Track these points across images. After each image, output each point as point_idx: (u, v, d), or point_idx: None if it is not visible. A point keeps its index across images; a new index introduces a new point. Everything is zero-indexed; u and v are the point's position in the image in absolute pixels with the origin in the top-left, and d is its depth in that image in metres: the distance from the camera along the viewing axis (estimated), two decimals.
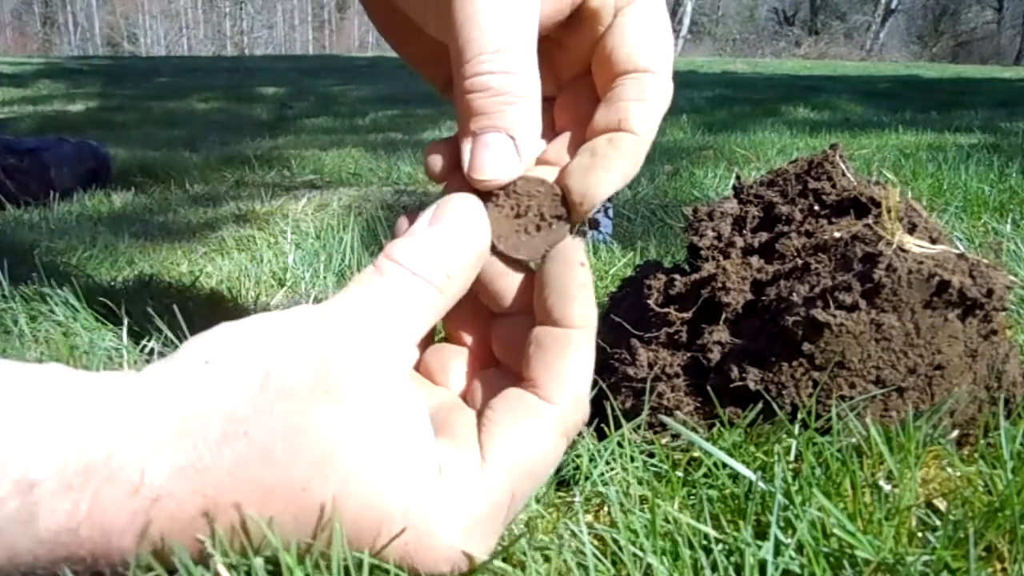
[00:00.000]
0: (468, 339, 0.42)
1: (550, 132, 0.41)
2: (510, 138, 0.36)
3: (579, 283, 0.37)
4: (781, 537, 0.40)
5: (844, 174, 0.59)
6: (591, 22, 0.39)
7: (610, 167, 0.37)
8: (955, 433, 0.52)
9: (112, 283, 1.03)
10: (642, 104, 0.38)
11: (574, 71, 0.41)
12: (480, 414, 0.36)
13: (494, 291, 0.39)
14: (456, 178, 0.38)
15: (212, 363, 0.32)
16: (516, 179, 0.37)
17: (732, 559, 0.41)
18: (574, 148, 0.39)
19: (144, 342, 0.74)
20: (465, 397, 0.40)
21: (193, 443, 0.30)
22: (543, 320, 0.37)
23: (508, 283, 0.39)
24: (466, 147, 0.36)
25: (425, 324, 0.35)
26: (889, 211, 0.52)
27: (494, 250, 0.38)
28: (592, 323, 0.37)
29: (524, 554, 0.41)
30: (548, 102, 0.41)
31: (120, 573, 0.31)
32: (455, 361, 0.41)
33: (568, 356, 0.36)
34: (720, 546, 0.41)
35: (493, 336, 0.41)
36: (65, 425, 0.30)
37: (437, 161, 0.39)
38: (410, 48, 0.45)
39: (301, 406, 0.31)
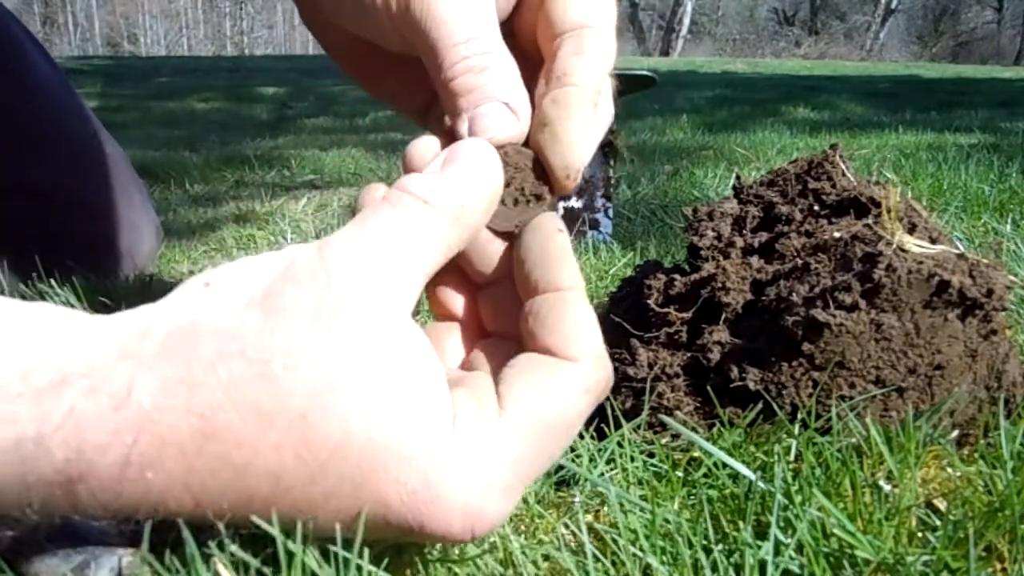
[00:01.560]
0: (457, 313, 0.41)
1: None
2: (503, 103, 0.36)
3: (561, 248, 0.36)
4: (781, 537, 0.40)
5: (844, 174, 0.59)
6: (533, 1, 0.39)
7: (559, 128, 0.36)
8: (955, 433, 0.52)
9: (112, 283, 1.03)
10: (580, 56, 0.37)
11: (541, 56, 0.41)
12: (495, 375, 0.35)
13: (479, 259, 0.39)
14: None
15: (212, 285, 0.30)
16: (508, 147, 0.37)
17: (732, 559, 0.41)
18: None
19: None
20: (465, 368, 0.39)
21: (186, 360, 0.28)
22: (530, 293, 0.36)
23: (492, 250, 0.39)
24: (462, 125, 0.36)
25: (436, 256, 0.33)
26: (889, 211, 0.52)
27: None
28: (581, 284, 0.36)
29: (524, 554, 0.41)
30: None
31: (94, 513, 0.28)
32: (448, 337, 0.40)
33: (571, 315, 0.35)
34: (720, 546, 0.41)
35: (481, 307, 0.40)
36: (39, 337, 0.27)
37: (423, 150, 0.38)
38: (381, 84, 0.45)
39: (302, 328, 0.29)
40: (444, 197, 0.33)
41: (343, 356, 0.29)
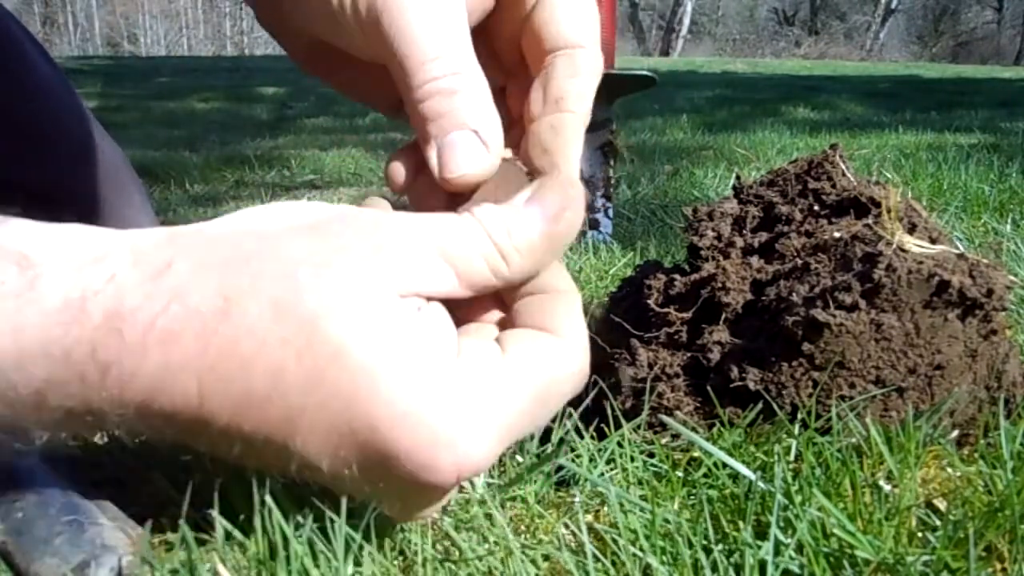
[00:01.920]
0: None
1: (506, 120, 0.41)
2: (473, 132, 0.36)
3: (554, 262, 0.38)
4: (781, 537, 0.40)
5: (844, 174, 0.59)
6: (517, 4, 0.39)
7: (559, 158, 0.38)
8: (955, 433, 0.52)
9: None
10: (576, 80, 0.38)
11: (515, 56, 0.42)
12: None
13: None
14: (421, 184, 0.39)
15: (270, 210, 0.33)
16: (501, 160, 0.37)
17: (732, 559, 0.41)
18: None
19: None
20: None
21: (226, 252, 0.31)
22: (521, 296, 0.37)
23: None
24: (432, 153, 0.36)
25: (476, 285, 0.34)
26: (889, 211, 0.52)
27: None
28: (576, 291, 0.38)
29: (524, 553, 0.41)
30: (499, 92, 0.41)
31: (112, 397, 0.30)
32: None
33: (568, 309, 0.36)
34: (720, 546, 0.41)
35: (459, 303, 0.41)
36: (86, 231, 0.31)
37: (399, 170, 0.39)
38: (339, 78, 0.45)
39: (336, 250, 0.31)
40: (510, 248, 0.34)
41: (366, 283, 0.31)
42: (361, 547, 0.36)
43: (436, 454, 0.31)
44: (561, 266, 0.37)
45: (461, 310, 0.40)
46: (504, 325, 0.38)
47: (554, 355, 0.35)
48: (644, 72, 1.09)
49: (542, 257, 0.35)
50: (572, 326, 0.36)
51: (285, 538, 0.35)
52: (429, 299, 0.33)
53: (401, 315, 0.31)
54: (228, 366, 0.30)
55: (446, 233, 0.33)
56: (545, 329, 0.36)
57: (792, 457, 0.49)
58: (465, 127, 0.36)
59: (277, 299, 0.30)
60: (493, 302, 0.38)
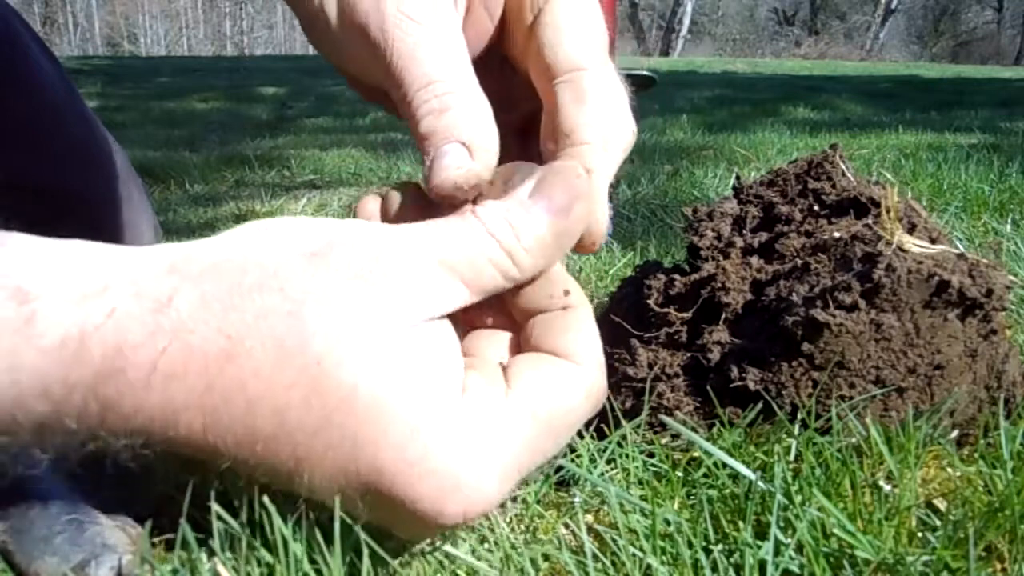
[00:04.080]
0: None
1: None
2: (461, 143, 0.36)
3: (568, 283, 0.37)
4: (781, 537, 0.40)
5: (844, 174, 0.59)
6: (519, 24, 0.39)
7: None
8: (955, 433, 0.52)
9: None
10: (581, 106, 0.37)
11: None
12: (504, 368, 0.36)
13: None
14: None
15: (268, 230, 0.32)
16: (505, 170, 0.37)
17: (732, 559, 0.41)
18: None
19: None
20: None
21: (228, 284, 0.30)
22: (533, 313, 0.37)
23: None
24: (426, 167, 0.36)
25: (491, 283, 0.34)
26: (889, 211, 0.52)
27: None
28: (588, 305, 0.37)
29: (522, 554, 0.41)
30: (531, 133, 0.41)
31: (116, 429, 0.29)
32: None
33: (580, 324, 0.36)
34: (720, 546, 0.41)
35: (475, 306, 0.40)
36: (88, 255, 0.30)
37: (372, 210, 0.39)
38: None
39: (341, 282, 0.31)
40: (517, 248, 0.34)
41: (371, 318, 0.31)
42: (360, 548, 0.36)
43: (443, 503, 0.31)
44: (569, 277, 0.37)
45: (470, 312, 0.40)
46: (513, 330, 0.38)
47: (563, 385, 0.34)
48: (644, 72, 1.09)
49: (552, 253, 0.35)
50: (586, 346, 0.36)
51: (284, 539, 0.35)
52: (440, 317, 0.33)
53: (407, 353, 0.31)
54: (232, 406, 0.30)
55: (450, 243, 0.33)
56: (559, 353, 0.35)
57: (792, 457, 0.49)
58: (453, 140, 0.36)
59: (282, 340, 0.30)
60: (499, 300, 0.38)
